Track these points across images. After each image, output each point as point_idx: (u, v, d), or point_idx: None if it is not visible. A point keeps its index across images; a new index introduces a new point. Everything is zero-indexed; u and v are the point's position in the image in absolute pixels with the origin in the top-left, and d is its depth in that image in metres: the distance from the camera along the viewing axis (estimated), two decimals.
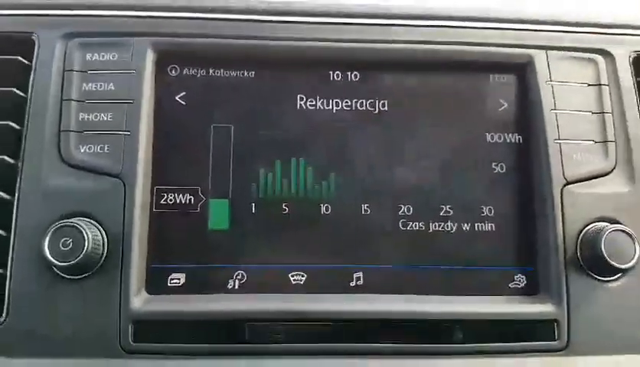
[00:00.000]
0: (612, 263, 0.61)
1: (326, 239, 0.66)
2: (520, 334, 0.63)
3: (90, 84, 0.66)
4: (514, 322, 0.64)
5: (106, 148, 0.64)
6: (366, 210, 0.67)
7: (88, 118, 0.65)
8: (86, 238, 0.59)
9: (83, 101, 0.66)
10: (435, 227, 0.67)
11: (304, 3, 0.71)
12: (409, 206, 0.67)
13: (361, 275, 0.66)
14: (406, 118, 0.69)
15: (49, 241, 0.59)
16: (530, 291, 0.66)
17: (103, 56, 0.67)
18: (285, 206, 0.66)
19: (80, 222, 0.60)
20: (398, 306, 0.64)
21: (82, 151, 0.64)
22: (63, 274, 0.61)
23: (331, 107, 0.69)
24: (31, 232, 0.61)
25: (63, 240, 0.59)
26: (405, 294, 0.65)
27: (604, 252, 0.61)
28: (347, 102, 0.69)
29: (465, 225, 0.67)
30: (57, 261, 0.59)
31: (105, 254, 0.62)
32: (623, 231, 0.62)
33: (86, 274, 0.61)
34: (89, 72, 0.67)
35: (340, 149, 0.68)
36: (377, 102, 0.69)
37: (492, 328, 0.64)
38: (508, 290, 0.66)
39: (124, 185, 0.63)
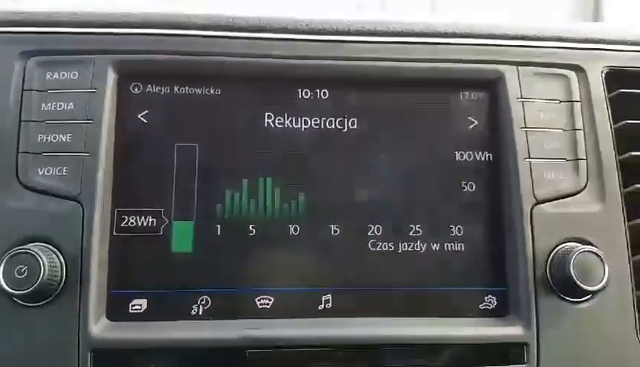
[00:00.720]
0: (581, 285, 0.60)
1: (294, 261, 0.65)
2: (490, 357, 0.62)
3: (50, 104, 0.64)
4: (483, 345, 0.63)
5: (64, 171, 0.62)
6: (335, 231, 0.66)
7: (47, 140, 0.63)
8: (41, 265, 0.57)
9: (42, 121, 0.64)
10: (405, 247, 0.66)
11: (272, 19, 0.69)
12: (378, 225, 0.66)
13: (330, 298, 0.64)
14: (375, 137, 0.68)
15: (4, 269, 0.57)
16: (501, 312, 0.65)
17: (64, 75, 0.65)
18: (252, 227, 0.65)
19: (36, 249, 0.58)
20: (366, 330, 0.63)
21: (40, 173, 0.62)
22: (19, 301, 0.59)
23: (299, 125, 0.68)
24: None
25: (18, 267, 0.57)
26: (374, 317, 0.64)
27: (573, 274, 0.60)
28: (315, 120, 0.68)
29: (435, 245, 0.66)
30: (12, 289, 0.57)
31: (64, 280, 0.60)
32: (592, 252, 0.61)
33: (44, 301, 0.59)
34: (49, 91, 0.65)
35: (308, 168, 0.67)
36: (346, 120, 0.68)
37: (461, 351, 0.63)
38: (478, 311, 0.65)
39: (82, 208, 0.61)
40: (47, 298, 0.59)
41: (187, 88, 0.67)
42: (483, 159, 0.68)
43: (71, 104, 0.64)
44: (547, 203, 0.65)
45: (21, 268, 0.57)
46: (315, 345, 0.61)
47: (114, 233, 0.63)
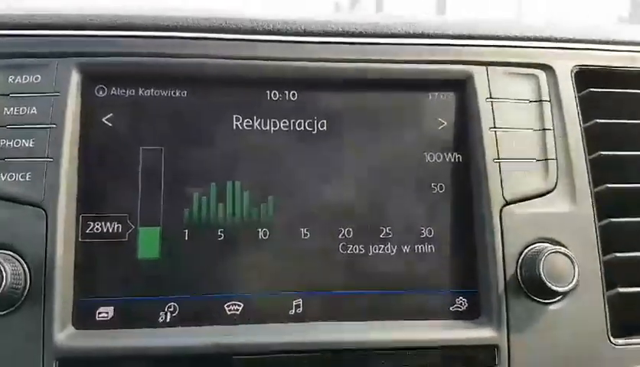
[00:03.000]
0: (551, 286, 0.60)
1: (264, 266, 0.64)
2: (461, 360, 0.62)
3: (12, 108, 0.63)
4: (454, 347, 0.62)
5: (27, 176, 0.61)
6: (305, 234, 0.65)
7: (9, 145, 0.62)
8: (4, 273, 0.56)
9: (4, 126, 0.63)
10: (376, 250, 0.65)
11: (238, 20, 0.68)
12: (349, 228, 0.65)
13: (301, 302, 0.64)
14: (345, 139, 0.67)
15: None
16: (472, 315, 0.64)
17: (26, 78, 0.64)
18: (220, 231, 0.64)
19: None
20: (338, 335, 0.62)
21: (3, 179, 0.61)
22: None
23: (268, 127, 0.67)
24: None
25: None
26: (346, 321, 0.63)
27: (543, 275, 0.60)
28: (284, 122, 0.67)
29: (405, 247, 0.65)
30: None
31: (28, 288, 0.59)
32: (562, 252, 0.61)
33: (7, 310, 0.58)
34: (11, 95, 0.63)
35: (278, 171, 0.66)
36: (315, 122, 0.67)
37: (432, 354, 0.62)
38: (449, 313, 0.65)
39: (46, 214, 0.60)
40: (11, 307, 0.58)
41: (152, 90, 0.66)
42: (453, 160, 0.67)
43: (34, 108, 0.63)
44: (517, 204, 0.65)
45: None
46: (286, 351, 0.60)
47: (79, 239, 0.62)
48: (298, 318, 0.63)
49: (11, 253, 0.59)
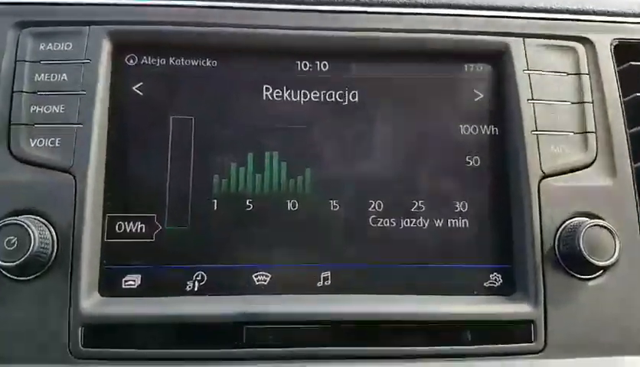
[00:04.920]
0: (591, 260, 0.58)
1: (292, 237, 0.63)
2: (496, 335, 0.60)
3: (43, 75, 0.63)
4: (489, 323, 0.60)
5: (57, 142, 0.61)
6: (335, 206, 0.64)
7: (40, 111, 0.62)
8: (32, 236, 0.56)
9: (34, 92, 0.62)
10: (407, 223, 0.64)
11: None
12: (379, 201, 0.64)
13: (329, 275, 0.62)
14: (377, 110, 0.66)
15: None
16: (507, 290, 0.63)
17: (57, 46, 0.64)
18: (249, 202, 0.63)
19: (26, 220, 0.56)
20: (367, 307, 0.61)
21: (32, 145, 0.61)
22: (9, 275, 0.57)
23: (298, 98, 0.66)
24: None
25: (7, 239, 0.56)
26: (374, 294, 0.62)
27: (582, 249, 0.58)
28: (315, 93, 0.66)
29: (438, 221, 0.64)
30: (1, 261, 0.55)
31: (55, 254, 0.58)
32: (603, 226, 0.59)
33: (34, 275, 0.58)
34: (42, 62, 0.63)
35: (311, 142, 0.65)
36: (346, 93, 0.66)
37: (466, 329, 0.60)
38: (484, 289, 0.63)
39: (75, 180, 0.59)
40: (38, 272, 0.58)
41: (182, 59, 0.66)
42: (489, 133, 0.66)
43: (64, 75, 0.63)
44: (555, 177, 0.63)
45: (11, 240, 0.55)
46: (313, 322, 0.59)
47: (107, 206, 0.61)
48: (327, 290, 0.62)
49: (39, 218, 0.59)
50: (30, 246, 0.55)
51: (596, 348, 0.60)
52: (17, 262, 0.55)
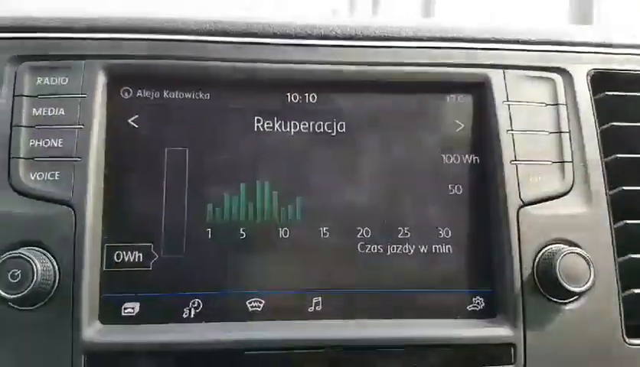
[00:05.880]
0: (567, 286, 0.61)
1: (284, 264, 0.66)
2: (478, 358, 0.63)
3: (41, 109, 0.65)
4: (471, 346, 0.63)
5: (56, 175, 0.63)
6: (325, 233, 0.66)
7: (38, 145, 0.64)
8: (34, 269, 0.58)
9: (33, 126, 0.64)
10: (393, 250, 0.66)
11: (260, 24, 0.70)
12: (367, 228, 0.67)
13: (320, 300, 0.65)
14: (363, 140, 0.68)
15: None
16: (489, 314, 0.65)
17: (54, 80, 0.66)
18: (242, 230, 0.66)
19: (29, 253, 0.58)
20: (356, 332, 0.63)
21: (32, 178, 0.63)
22: (13, 305, 0.60)
23: (288, 129, 0.68)
24: None
25: (11, 272, 0.58)
26: (363, 319, 0.65)
27: (559, 275, 0.61)
28: (304, 124, 0.69)
29: (423, 247, 0.67)
30: (5, 293, 0.57)
31: (56, 284, 0.60)
32: (578, 253, 0.62)
33: (37, 305, 0.60)
34: (40, 96, 0.65)
35: (301, 172, 0.67)
36: (334, 124, 0.69)
37: (449, 352, 0.63)
38: (466, 312, 0.66)
39: (74, 212, 0.62)
40: (41, 302, 0.60)
41: (176, 92, 0.68)
42: (470, 162, 0.69)
43: (61, 109, 0.65)
44: (534, 205, 0.66)
45: (15, 272, 0.58)
46: (306, 347, 0.62)
47: (106, 237, 0.64)
48: (318, 315, 0.64)
49: (41, 249, 0.61)
50: (33, 278, 0.57)
51: None
52: (21, 294, 0.57)
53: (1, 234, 0.61)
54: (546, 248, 0.64)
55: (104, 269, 0.63)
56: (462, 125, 0.70)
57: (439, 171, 0.68)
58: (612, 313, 0.65)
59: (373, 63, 0.69)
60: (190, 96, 0.68)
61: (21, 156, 0.63)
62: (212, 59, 0.68)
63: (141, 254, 0.64)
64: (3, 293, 0.57)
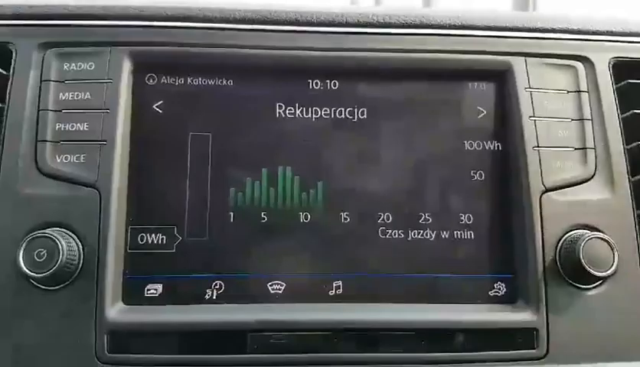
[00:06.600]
0: (590, 271, 0.61)
1: (305, 248, 0.66)
2: (499, 343, 0.63)
3: (67, 94, 0.66)
4: (492, 330, 0.63)
5: (82, 158, 0.64)
6: (345, 218, 0.67)
7: (65, 128, 0.65)
8: (60, 248, 0.59)
9: (59, 111, 0.66)
10: (415, 235, 0.67)
11: (282, 12, 0.71)
12: (388, 213, 0.67)
13: (340, 284, 0.65)
14: (385, 127, 0.69)
15: (24, 252, 0.59)
16: (510, 299, 0.65)
17: (80, 65, 0.67)
18: (264, 214, 0.66)
19: (55, 233, 0.59)
20: (375, 315, 0.64)
21: (58, 160, 0.64)
22: (38, 285, 0.60)
23: (310, 115, 0.69)
24: (6, 242, 0.61)
25: (37, 251, 0.59)
26: (383, 303, 0.65)
27: (582, 260, 0.61)
28: (326, 110, 0.69)
29: (444, 232, 0.67)
30: (31, 271, 0.58)
31: (81, 265, 0.61)
32: (601, 238, 0.62)
33: (62, 285, 0.61)
34: (66, 81, 0.66)
35: (323, 157, 0.68)
36: (355, 110, 0.69)
37: (471, 336, 0.63)
38: (488, 297, 0.66)
39: (100, 194, 0.63)
40: (65, 282, 0.61)
41: (200, 79, 0.69)
42: (492, 148, 0.69)
43: (88, 94, 0.66)
44: (556, 191, 0.66)
45: (40, 252, 0.59)
46: (326, 329, 0.62)
47: (130, 218, 0.64)
48: (338, 298, 0.65)
49: (66, 231, 0.62)
50: (58, 258, 0.58)
51: (597, 355, 0.63)
52: (47, 273, 0.58)
53: (28, 215, 0.62)
54: (569, 234, 0.64)
55: (128, 251, 0.64)
56: (484, 112, 0.70)
57: (461, 157, 0.68)
58: (636, 299, 0.64)
59: (396, 49, 0.70)
60: (213, 83, 0.69)
61: (48, 139, 0.65)
62: (235, 46, 0.69)
63: (164, 237, 0.65)
64: (29, 272, 0.58)
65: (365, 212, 0.67)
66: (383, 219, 0.67)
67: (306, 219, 0.66)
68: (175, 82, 0.68)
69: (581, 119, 0.69)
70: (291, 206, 0.66)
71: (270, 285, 0.65)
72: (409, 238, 0.66)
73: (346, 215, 0.67)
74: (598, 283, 0.64)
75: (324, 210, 0.67)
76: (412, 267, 0.66)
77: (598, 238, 0.62)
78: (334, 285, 0.65)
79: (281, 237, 0.66)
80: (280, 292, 0.64)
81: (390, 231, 0.67)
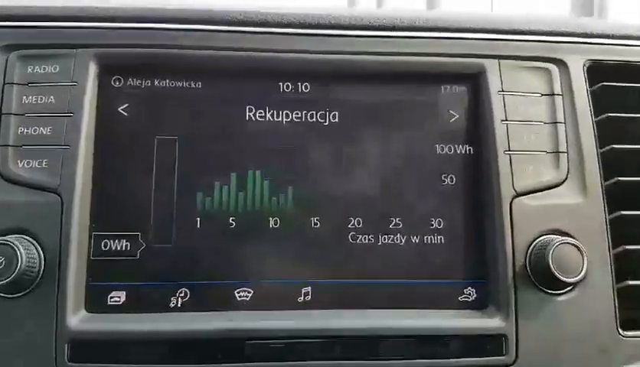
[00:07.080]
0: (559, 276, 0.60)
1: (274, 254, 0.65)
2: (468, 349, 0.62)
3: (31, 97, 0.65)
4: (462, 337, 0.62)
5: (44, 163, 0.63)
6: (315, 223, 0.66)
7: (27, 132, 0.64)
8: (19, 255, 0.57)
9: (22, 114, 0.64)
10: (385, 240, 0.66)
11: (252, 13, 0.69)
12: (359, 218, 0.66)
13: (310, 290, 0.64)
14: (356, 130, 0.68)
15: None
16: (480, 305, 0.65)
17: (45, 68, 0.66)
18: (231, 220, 0.65)
19: (13, 240, 0.58)
20: (345, 322, 0.63)
21: (20, 165, 0.63)
22: None
23: (280, 119, 0.68)
24: None
25: None
26: (353, 309, 0.64)
27: (552, 266, 0.60)
28: (297, 113, 0.68)
29: (415, 237, 0.66)
30: None
31: (42, 272, 0.60)
32: (571, 244, 0.61)
33: (22, 292, 0.59)
34: (30, 85, 0.65)
35: (293, 161, 0.67)
36: (327, 113, 0.68)
37: (439, 343, 0.62)
38: (458, 303, 0.65)
39: (62, 200, 0.61)
40: (26, 290, 0.59)
41: (167, 81, 0.67)
42: (463, 152, 0.68)
43: (52, 97, 0.65)
44: (527, 196, 0.65)
45: None
46: (294, 337, 0.61)
47: (93, 225, 0.63)
48: (307, 305, 0.64)
49: (26, 237, 0.60)
50: (17, 265, 0.57)
51: (565, 361, 0.62)
52: (5, 281, 0.57)
53: None
54: (539, 239, 0.63)
55: (91, 257, 0.63)
56: (457, 116, 0.69)
57: (433, 161, 0.67)
58: (607, 305, 0.64)
59: (367, 52, 0.68)
60: (181, 85, 0.67)
61: (10, 144, 0.63)
62: (204, 48, 0.68)
63: (128, 243, 0.63)
64: None
65: (336, 217, 0.66)
66: (353, 224, 0.66)
67: (276, 224, 0.65)
68: (142, 84, 0.67)
69: (554, 122, 0.68)
70: (260, 211, 0.65)
71: (237, 292, 0.63)
72: (380, 243, 0.66)
73: (316, 220, 0.66)
74: (568, 288, 0.63)
75: (295, 215, 0.65)
76: (382, 273, 0.65)
77: (567, 243, 0.61)
78: (303, 291, 0.64)
79: (249, 242, 0.65)
80: (247, 299, 0.63)
81: (360, 236, 0.66)
